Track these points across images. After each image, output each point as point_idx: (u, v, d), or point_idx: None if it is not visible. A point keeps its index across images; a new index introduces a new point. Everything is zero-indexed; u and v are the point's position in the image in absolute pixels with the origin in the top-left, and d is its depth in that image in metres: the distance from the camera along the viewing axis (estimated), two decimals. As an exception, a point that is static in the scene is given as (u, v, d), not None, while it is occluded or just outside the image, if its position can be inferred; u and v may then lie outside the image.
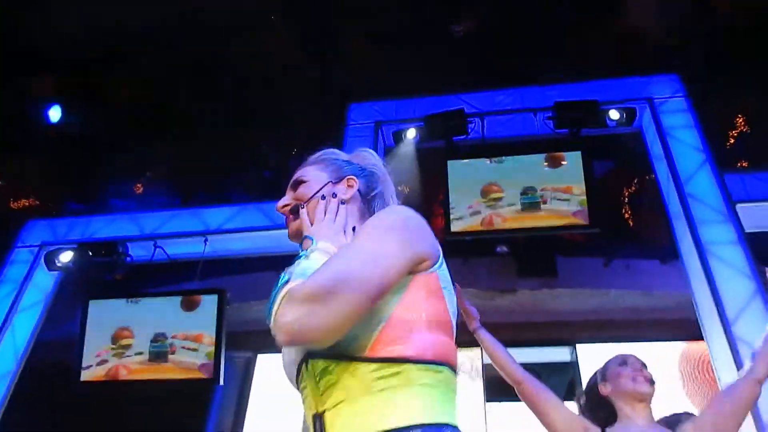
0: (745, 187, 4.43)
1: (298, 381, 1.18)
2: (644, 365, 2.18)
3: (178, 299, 4.73)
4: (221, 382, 4.42)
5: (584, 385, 2.36)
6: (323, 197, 1.29)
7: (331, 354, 1.07)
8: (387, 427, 1.02)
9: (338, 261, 1.08)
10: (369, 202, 1.38)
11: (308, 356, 1.12)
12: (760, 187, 4.48)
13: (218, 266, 5.43)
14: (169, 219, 5.26)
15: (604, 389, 2.16)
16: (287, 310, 1.01)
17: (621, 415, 2.10)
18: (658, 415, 2.16)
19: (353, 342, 1.07)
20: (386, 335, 1.08)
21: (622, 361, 2.19)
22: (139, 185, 7.44)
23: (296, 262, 1.13)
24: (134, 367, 4.55)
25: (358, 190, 1.36)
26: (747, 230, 4.10)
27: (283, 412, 5.27)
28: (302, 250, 1.19)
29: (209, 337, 4.48)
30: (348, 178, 1.36)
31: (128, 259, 5.10)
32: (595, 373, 2.29)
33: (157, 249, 5.08)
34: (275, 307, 1.03)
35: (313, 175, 1.37)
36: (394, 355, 1.07)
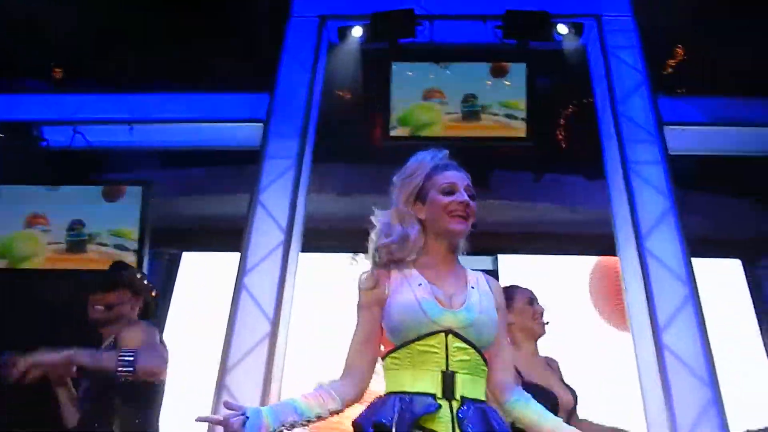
0: (676, 110, 4.56)
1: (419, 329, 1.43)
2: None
3: (98, 189, 4.51)
4: (144, 278, 4.32)
5: None
6: None
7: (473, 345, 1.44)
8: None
9: None
10: None
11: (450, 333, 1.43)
12: (690, 111, 4.63)
13: (143, 158, 5.15)
14: (90, 103, 4.87)
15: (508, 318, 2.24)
16: None
17: (514, 341, 2.16)
18: None
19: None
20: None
21: (529, 300, 2.26)
22: (58, 70, 6.76)
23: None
24: (50, 255, 4.36)
25: None
26: (671, 152, 4.27)
27: (206, 311, 5.27)
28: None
29: (132, 230, 4.33)
30: None
31: (43, 143, 4.77)
32: None
33: (77, 135, 4.74)
34: None
35: None
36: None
